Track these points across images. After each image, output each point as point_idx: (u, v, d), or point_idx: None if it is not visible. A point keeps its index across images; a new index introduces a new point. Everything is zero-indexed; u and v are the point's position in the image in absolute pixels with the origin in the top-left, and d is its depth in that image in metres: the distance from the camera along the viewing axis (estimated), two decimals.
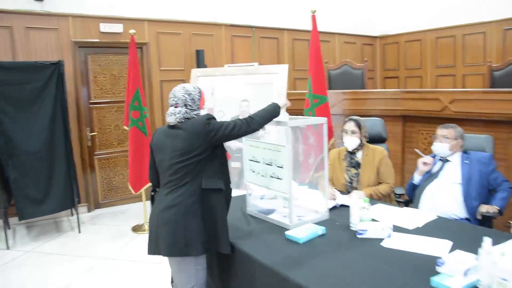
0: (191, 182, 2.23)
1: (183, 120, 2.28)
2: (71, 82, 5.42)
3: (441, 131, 3.12)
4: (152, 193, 2.55)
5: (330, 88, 6.34)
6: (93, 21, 5.58)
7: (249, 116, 2.37)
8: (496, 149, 3.48)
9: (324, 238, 2.33)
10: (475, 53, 7.19)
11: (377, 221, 2.50)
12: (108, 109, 5.80)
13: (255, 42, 6.91)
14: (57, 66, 4.72)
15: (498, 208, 2.84)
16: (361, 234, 2.31)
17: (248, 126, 2.32)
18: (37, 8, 5.24)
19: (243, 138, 2.72)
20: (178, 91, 2.34)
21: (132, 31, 4.80)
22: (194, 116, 2.32)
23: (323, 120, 2.56)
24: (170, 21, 6.10)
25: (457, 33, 7.41)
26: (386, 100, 4.98)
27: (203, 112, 2.40)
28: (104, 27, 5.63)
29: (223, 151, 2.39)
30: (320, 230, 2.36)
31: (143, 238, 4.65)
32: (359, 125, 3.30)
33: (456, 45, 7.46)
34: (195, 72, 5.11)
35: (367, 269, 1.92)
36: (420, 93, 4.78)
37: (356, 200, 2.51)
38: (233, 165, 4.66)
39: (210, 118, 2.27)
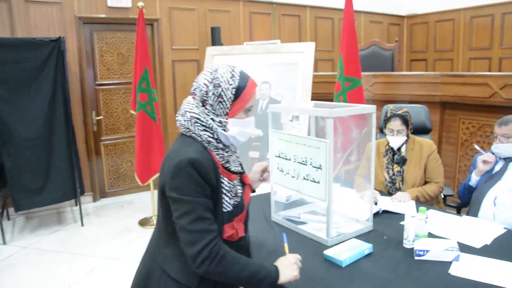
0: (162, 237, 1.49)
1: (183, 130, 1.45)
2: (75, 61, 4.96)
3: (500, 129, 2.56)
4: None
5: None
6: None
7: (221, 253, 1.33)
8: None
9: (372, 259, 1.84)
10: None
11: (436, 236, 2.02)
12: (116, 91, 5.34)
13: (275, 20, 6.36)
14: (57, 43, 4.25)
15: None
16: (420, 255, 1.82)
17: (197, 260, 1.30)
18: None
19: (269, 129, 2.22)
20: (203, 74, 1.44)
21: (140, 3, 4.29)
22: (196, 132, 1.42)
23: (371, 109, 2.05)
24: None
25: (496, 11, 6.76)
26: (424, 84, 4.44)
27: (234, 129, 1.44)
28: (112, 2, 5.12)
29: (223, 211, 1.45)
30: (367, 248, 1.88)
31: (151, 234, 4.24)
32: (406, 122, 2.77)
33: (494, 25, 6.81)
34: (211, 50, 4.62)
35: None
36: (465, 77, 4.21)
37: (411, 210, 2.02)
38: (251, 155, 4.19)
39: (181, 170, 1.32)
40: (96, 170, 5.26)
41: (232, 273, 1.34)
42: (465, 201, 2.75)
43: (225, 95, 1.40)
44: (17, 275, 3.44)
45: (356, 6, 7.00)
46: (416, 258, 1.82)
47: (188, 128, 1.41)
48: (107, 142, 5.33)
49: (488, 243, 1.99)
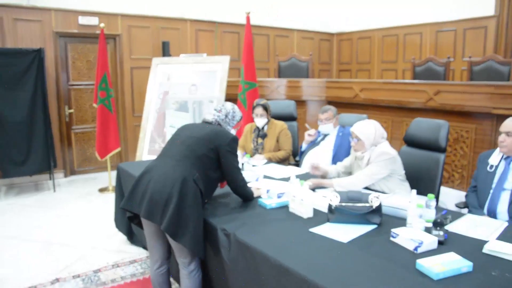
0: (193, 164, 2.47)
1: (218, 121, 2.72)
2: (52, 66, 6.35)
3: (322, 115, 4.02)
4: None
5: (279, 77, 7.32)
6: (72, 15, 6.49)
7: (245, 184, 2.74)
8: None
9: None
10: (413, 51, 8.15)
11: (269, 176, 3.46)
12: (85, 90, 6.75)
13: (217, 36, 7.85)
14: (38, 53, 5.65)
15: None
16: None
17: (240, 187, 2.70)
18: (24, 2, 6.16)
19: (166, 109, 3.68)
20: (228, 104, 2.82)
21: (102, 25, 5.75)
22: (224, 128, 2.75)
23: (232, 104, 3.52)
24: (141, 16, 7.02)
25: (399, 32, 8.37)
26: (314, 88, 5.97)
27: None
28: (82, 20, 6.54)
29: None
30: None
31: (106, 197, 5.65)
32: (265, 108, 4.26)
33: (398, 43, 8.42)
34: (155, 60, 6.08)
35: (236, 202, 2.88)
36: (339, 83, 5.77)
37: (243, 158, 3.51)
38: None
39: (235, 141, 2.62)
40: (68, 152, 6.65)
41: (248, 189, 2.75)
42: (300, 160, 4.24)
43: (236, 117, 2.81)
44: (5, 218, 4.83)
45: (290, 25, 8.63)
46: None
47: (220, 123, 2.73)
48: (76, 130, 6.74)
49: (286, 176, 3.47)
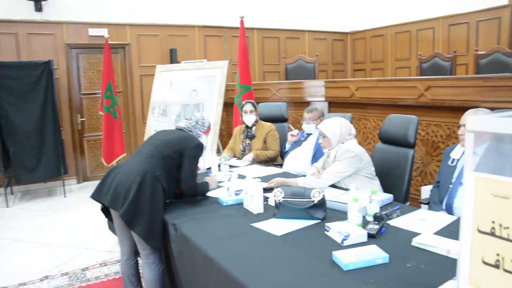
0: (157, 163, 2.66)
1: (190, 128, 2.95)
2: (64, 76, 6.67)
3: (307, 115, 4.03)
4: None
5: (287, 79, 7.34)
6: (83, 27, 6.80)
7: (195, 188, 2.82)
8: None
9: None
10: (426, 47, 7.98)
11: (232, 172, 3.55)
12: (96, 99, 7.01)
13: (226, 41, 7.97)
14: (48, 65, 5.96)
15: None
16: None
17: (189, 188, 2.77)
18: (37, 18, 6.50)
19: (150, 114, 3.80)
20: (198, 114, 3.15)
21: (106, 35, 5.98)
22: (195, 134, 2.97)
23: (201, 100, 3.62)
24: (149, 24, 7.24)
25: (412, 28, 8.21)
26: (315, 89, 5.96)
27: (203, 140, 3.02)
28: (92, 32, 6.84)
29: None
30: None
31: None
32: (254, 106, 4.34)
33: (411, 40, 8.27)
34: (159, 68, 6.26)
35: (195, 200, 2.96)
36: (336, 82, 5.74)
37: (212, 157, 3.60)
38: None
39: (200, 147, 2.82)
40: (80, 159, 6.94)
41: (198, 192, 2.85)
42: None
43: (205, 125, 3.05)
44: (17, 222, 5.11)
45: (301, 26, 8.60)
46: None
47: (191, 130, 2.95)
48: (89, 138, 7.02)
49: (261, 176, 3.51)
